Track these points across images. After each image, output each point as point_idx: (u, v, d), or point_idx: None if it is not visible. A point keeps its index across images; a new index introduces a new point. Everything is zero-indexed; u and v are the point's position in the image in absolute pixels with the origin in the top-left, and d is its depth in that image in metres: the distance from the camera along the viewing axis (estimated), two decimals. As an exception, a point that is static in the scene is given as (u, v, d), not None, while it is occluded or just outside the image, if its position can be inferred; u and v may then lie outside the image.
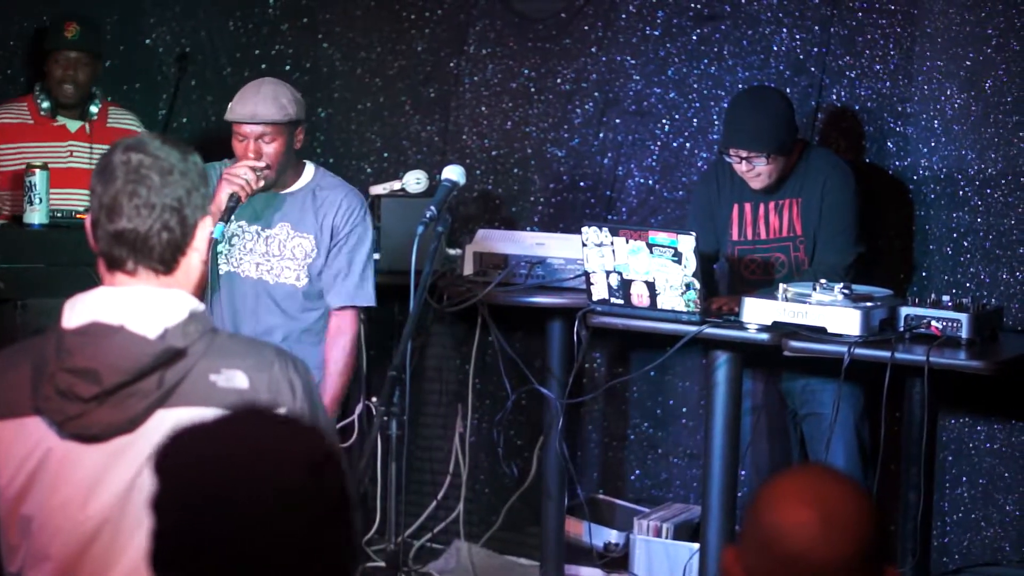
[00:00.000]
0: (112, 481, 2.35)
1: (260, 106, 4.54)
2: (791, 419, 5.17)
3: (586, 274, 4.75)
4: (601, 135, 5.82)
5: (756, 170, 4.87)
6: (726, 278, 5.19)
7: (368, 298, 4.68)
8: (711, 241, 5.06)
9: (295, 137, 4.58)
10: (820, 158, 5.01)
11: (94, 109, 5.32)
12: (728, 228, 5.05)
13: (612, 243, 4.64)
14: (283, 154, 4.54)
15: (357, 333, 4.68)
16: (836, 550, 1.97)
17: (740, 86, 5.52)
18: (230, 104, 4.58)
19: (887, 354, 4.38)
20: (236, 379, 2.39)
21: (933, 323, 4.46)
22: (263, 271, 4.60)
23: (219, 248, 4.58)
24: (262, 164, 4.49)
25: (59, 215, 4.91)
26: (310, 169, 4.70)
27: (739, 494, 4.99)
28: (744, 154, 4.86)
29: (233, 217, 4.54)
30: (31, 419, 2.37)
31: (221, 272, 4.59)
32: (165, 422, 2.34)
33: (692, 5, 5.63)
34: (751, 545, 2.03)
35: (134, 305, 2.37)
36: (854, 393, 4.84)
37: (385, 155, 6.13)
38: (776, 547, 1.98)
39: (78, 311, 2.38)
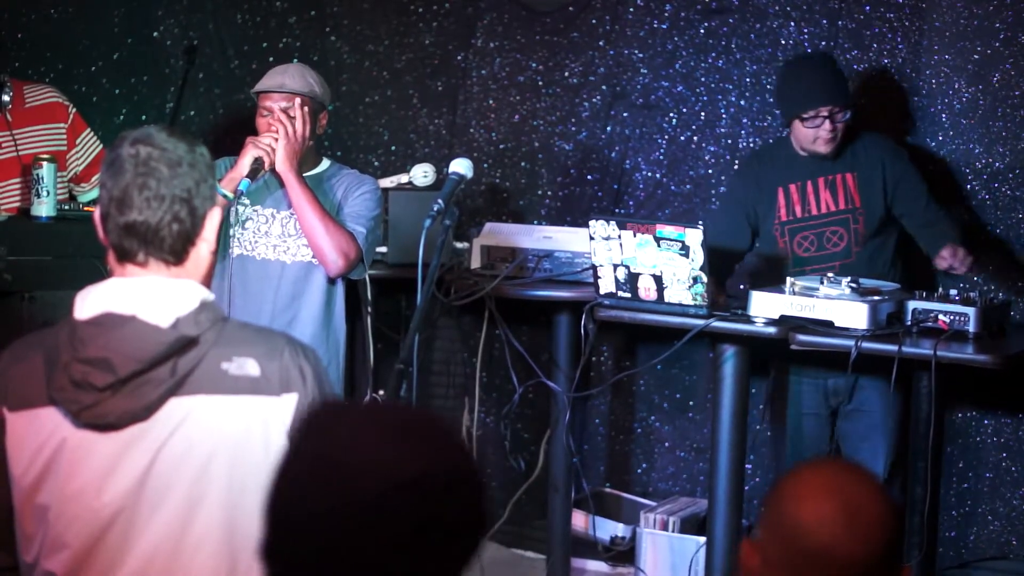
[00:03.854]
0: (127, 469, 2.37)
1: (288, 78, 4.65)
2: (827, 415, 5.10)
3: (593, 267, 4.75)
4: (609, 129, 5.81)
5: (838, 126, 4.86)
6: (742, 275, 5.18)
7: (363, 254, 4.60)
8: (739, 237, 5.05)
9: (318, 121, 4.63)
10: (870, 135, 5.03)
11: (6, 98, 5.16)
12: (773, 212, 5.00)
13: (620, 236, 4.64)
14: (305, 133, 4.57)
15: (354, 253, 4.55)
16: (861, 546, 1.95)
17: (748, 80, 5.52)
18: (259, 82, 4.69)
19: (894, 348, 4.38)
20: (247, 367, 2.41)
21: (940, 317, 4.47)
22: (280, 252, 4.61)
23: (231, 232, 4.59)
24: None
25: None
26: (326, 162, 4.77)
27: (746, 488, 4.99)
28: (826, 112, 4.85)
29: (247, 201, 4.57)
30: (46, 409, 2.39)
31: (233, 255, 4.58)
32: (178, 410, 2.37)
33: (700, -2, 5.63)
34: (771, 538, 2.01)
35: (146, 295, 2.39)
36: (898, 396, 4.80)
37: (392, 148, 6.13)
38: (799, 542, 1.97)
39: (90, 302, 2.39)
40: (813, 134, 4.87)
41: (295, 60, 5.92)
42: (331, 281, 4.63)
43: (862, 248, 4.92)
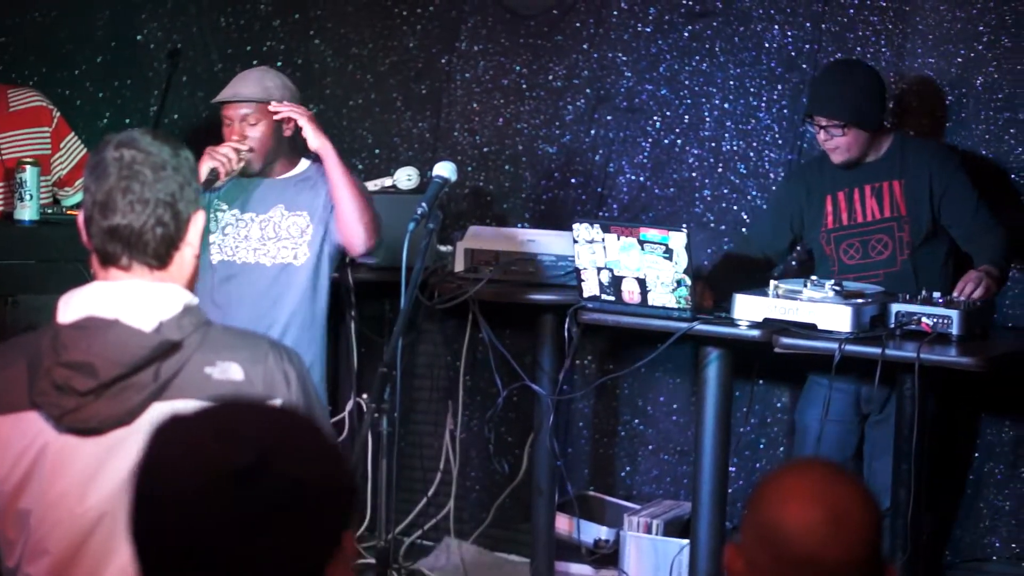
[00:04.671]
0: (110, 474, 2.36)
1: (243, 87, 4.64)
2: (856, 422, 5.04)
3: (577, 271, 4.75)
4: (592, 132, 5.82)
5: (834, 141, 4.83)
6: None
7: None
8: (776, 241, 5.06)
9: (283, 123, 4.61)
10: (923, 142, 5.00)
11: None
12: (820, 219, 4.98)
13: (603, 240, 4.64)
14: (270, 138, 4.59)
15: (378, 235, 4.62)
16: (847, 550, 1.93)
17: (732, 83, 5.53)
18: None
19: (877, 351, 4.39)
20: (231, 371, 2.40)
21: (924, 320, 4.47)
22: (259, 255, 4.62)
23: (211, 239, 4.59)
24: (245, 147, 4.53)
25: None
26: (306, 162, 4.76)
27: (729, 490, 5.00)
28: (823, 122, 4.83)
29: (225, 207, 4.57)
30: (28, 414, 2.37)
31: (214, 262, 4.59)
32: (162, 415, 2.35)
33: (684, 2, 5.63)
34: (754, 542, 1.99)
35: (129, 299, 2.38)
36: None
37: (376, 152, 6.13)
38: (784, 547, 1.95)
39: (73, 306, 2.38)
40: (820, 139, 4.88)
41: (279, 63, 5.94)
42: (313, 283, 4.63)
43: (908, 257, 4.88)
